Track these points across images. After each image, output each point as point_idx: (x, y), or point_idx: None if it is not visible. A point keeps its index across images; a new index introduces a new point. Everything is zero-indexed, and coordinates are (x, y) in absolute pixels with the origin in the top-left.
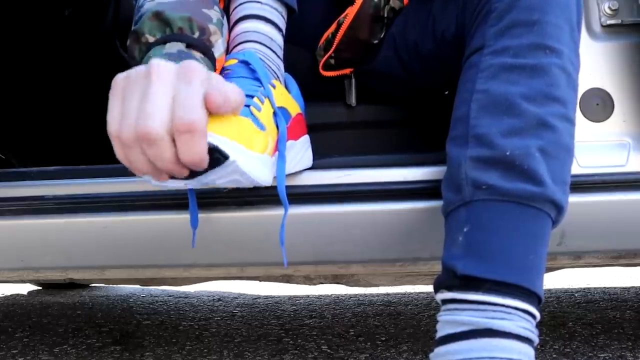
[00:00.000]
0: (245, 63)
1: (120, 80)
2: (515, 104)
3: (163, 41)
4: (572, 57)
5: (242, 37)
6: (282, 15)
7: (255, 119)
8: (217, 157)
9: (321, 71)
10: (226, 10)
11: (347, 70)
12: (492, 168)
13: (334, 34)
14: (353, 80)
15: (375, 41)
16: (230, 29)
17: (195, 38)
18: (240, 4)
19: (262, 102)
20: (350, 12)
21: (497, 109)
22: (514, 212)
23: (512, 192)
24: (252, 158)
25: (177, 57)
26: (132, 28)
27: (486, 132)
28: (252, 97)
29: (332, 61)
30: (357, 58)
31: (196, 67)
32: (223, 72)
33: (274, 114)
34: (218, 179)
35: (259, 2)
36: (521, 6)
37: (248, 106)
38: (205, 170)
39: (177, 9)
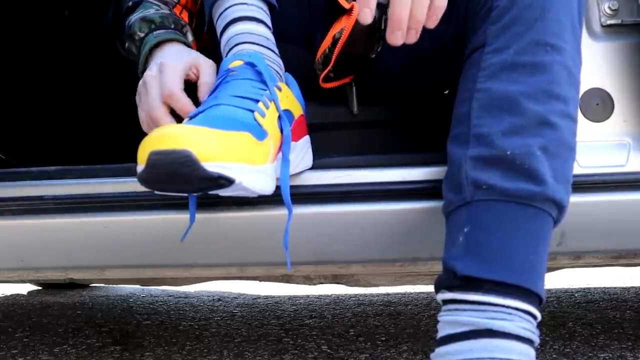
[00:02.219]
0: (251, 65)
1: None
2: (517, 103)
3: (150, 33)
4: (573, 54)
5: (236, 39)
6: (267, 13)
7: (256, 127)
8: (222, 182)
9: (321, 84)
10: (209, 23)
11: (347, 79)
12: (492, 168)
13: (331, 50)
14: (354, 88)
15: (373, 55)
16: (220, 35)
17: (172, 28)
18: (226, 9)
19: (267, 107)
20: (347, 27)
21: (498, 108)
22: (514, 212)
23: (512, 191)
24: (255, 173)
25: (164, 34)
26: (126, 33)
27: (487, 132)
28: (257, 101)
29: (332, 74)
30: (357, 67)
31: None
32: (229, 73)
33: (279, 117)
34: (223, 193)
35: (244, 3)
36: (522, 3)
37: (252, 112)
38: (212, 189)
39: (157, 14)
